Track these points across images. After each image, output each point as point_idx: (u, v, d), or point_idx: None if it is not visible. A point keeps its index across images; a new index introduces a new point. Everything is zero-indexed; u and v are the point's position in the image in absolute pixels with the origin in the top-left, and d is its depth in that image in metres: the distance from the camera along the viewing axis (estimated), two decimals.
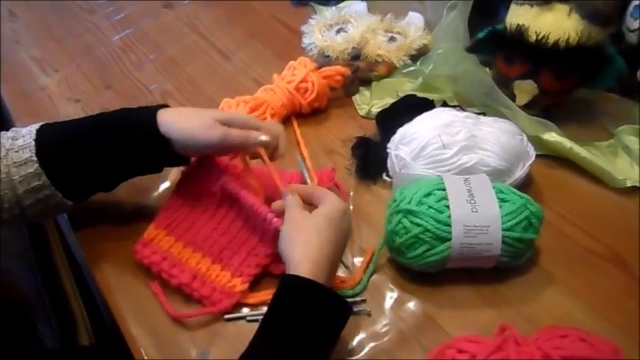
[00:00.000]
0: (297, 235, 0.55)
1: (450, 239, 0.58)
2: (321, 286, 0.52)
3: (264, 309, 0.60)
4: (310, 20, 0.94)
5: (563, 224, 0.68)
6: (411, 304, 0.61)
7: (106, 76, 0.95)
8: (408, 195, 0.60)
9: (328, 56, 0.87)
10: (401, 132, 0.71)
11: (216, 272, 0.63)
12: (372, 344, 0.58)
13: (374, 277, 0.64)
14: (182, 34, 1.04)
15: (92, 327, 0.84)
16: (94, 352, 0.82)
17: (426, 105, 0.77)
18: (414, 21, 0.95)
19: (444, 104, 0.80)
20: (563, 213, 0.69)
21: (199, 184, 0.67)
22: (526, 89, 0.76)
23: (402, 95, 0.82)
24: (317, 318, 0.52)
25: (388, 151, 0.72)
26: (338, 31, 0.91)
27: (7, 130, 0.62)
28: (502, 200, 0.59)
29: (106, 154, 0.61)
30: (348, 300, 0.60)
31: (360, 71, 0.88)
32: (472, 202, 0.59)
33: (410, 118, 0.72)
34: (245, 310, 0.61)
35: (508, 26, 0.76)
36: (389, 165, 0.72)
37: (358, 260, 0.65)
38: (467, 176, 0.62)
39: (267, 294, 0.61)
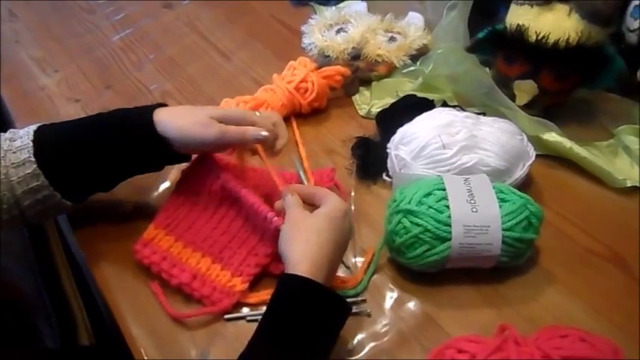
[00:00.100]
0: (297, 235, 0.55)
1: (449, 239, 0.58)
2: (319, 285, 0.52)
3: (265, 309, 0.60)
4: (310, 20, 0.94)
5: (563, 224, 0.68)
6: (411, 304, 0.61)
7: (106, 76, 0.95)
8: (408, 195, 0.60)
9: (328, 56, 0.87)
10: (401, 132, 0.71)
11: (216, 272, 0.63)
12: (372, 344, 0.58)
13: (374, 277, 0.64)
14: (182, 34, 1.04)
15: (92, 327, 0.84)
16: (94, 352, 0.82)
17: (426, 105, 0.77)
18: (414, 21, 0.95)
19: (444, 104, 0.80)
20: (563, 213, 0.69)
21: (199, 184, 0.67)
22: (526, 89, 0.76)
23: (402, 95, 0.82)
24: (315, 317, 0.52)
25: (388, 151, 0.72)
26: (338, 31, 0.91)
27: (7, 130, 0.62)
28: (502, 200, 0.59)
29: (104, 154, 0.61)
30: (349, 300, 0.60)
31: (360, 71, 0.88)
32: (472, 202, 0.59)
33: (410, 118, 0.72)
34: (245, 310, 0.61)
35: (508, 26, 0.76)
36: (389, 165, 0.72)
37: (358, 260, 0.65)
38: (467, 176, 0.62)
39: (267, 294, 0.61)
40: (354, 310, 0.60)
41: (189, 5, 1.11)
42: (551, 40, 0.72)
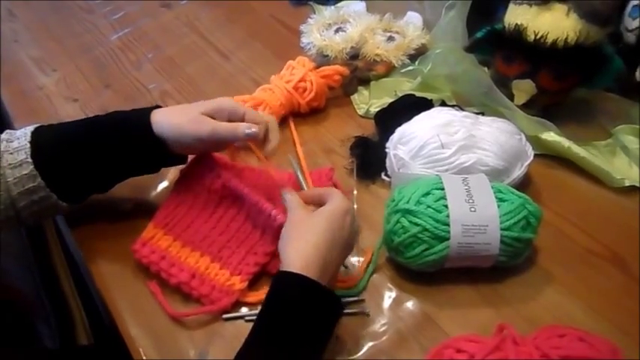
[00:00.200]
0: (294, 235, 0.55)
1: (448, 239, 0.58)
2: (311, 281, 0.51)
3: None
4: (309, 20, 0.94)
5: (562, 224, 0.68)
6: (410, 304, 0.61)
7: (105, 75, 0.95)
8: (407, 194, 0.60)
9: (327, 56, 0.87)
10: (399, 131, 0.71)
11: (215, 271, 0.63)
12: (370, 344, 0.58)
13: (372, 276, 0.64)
14: (181, 33, 1.04)
15: (91, 327, 0.84)
16: (92, 351, 0.82)
17: (425, 104, 0.77)
18: (412, 20, 0.95)
19: (443, 104, 0.80)
20: (562, 212, 0.69)
21: (198, 183, 0.67)
22: (525, 89, 0.76)
23: (400, 95, 0.82)
24: (308, 313, 0.52)
25: (387, 150, 0.72)
26: (337, 31, 0.91)
27: (4, 130, 0.62)
28: (500, 200, 0.59)
29: (101, 155, 0.61)
30: (347, 300, 0.60)
31: (359, 71, 0.88)
32: (470, 201, 0.59)
33: (408, 118, 0.72)
34: (244, 310, 0.61)
35: (507, 26, 0.76)
36: (387, 164, 0.72)
37: (357, 260, 0.65)
38: (465, 176, 0.63)
39: (266, 292, 0.61)
40: (352, 310, 0.60)
41: (188, 5, 1.11)
42: (550, 40, 0.72)
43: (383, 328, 0.59)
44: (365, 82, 0.88)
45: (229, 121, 0.63)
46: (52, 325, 0.77)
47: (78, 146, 0.61)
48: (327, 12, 0.96)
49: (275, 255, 0.63)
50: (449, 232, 0.58)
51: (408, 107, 0.76)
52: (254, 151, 0.66)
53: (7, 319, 0.69)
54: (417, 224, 0.58)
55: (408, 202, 0.60)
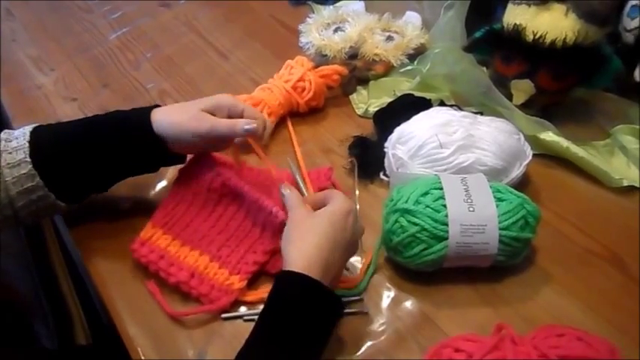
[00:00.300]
0: (296, 235, 0.55)
1: (446, 238, 0.58)
2: (313, 281, 0.51)
3: (262, 308, 0.60)
4: (308, 19, 0.94)
5: (560, 223, 0.68)
6: (408, 303, 0.61)
7: (103, 74, 0.95)
8: (405, 194, 0.60)
9: (326, 55, 0.87)
10: (398, 131, 0.71)
11: (214, 270, 0.63)
12: (369, 343, 0.58)
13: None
14: (180, 33, 1.04)
15: (89, 326, 0.84)
16: (91, 351, 0.82)
17: (424, 104, 0.77)
18: (411, 20, 0.95)
19: (442, 103, 0.80)
20: (560, 212, 0.69)
21: (197, 182, 0.67)
22: (523, 88, 0.76)
23: (399, 94, 0.82)
24: (309, 312, 0.52)
25: (385, 150, 0.72)
26: (335, 30, 0.91)
27: (3, 128, 0.62)
28: (499, 199, 0.59)
29: (100, 155, 0.61)
30: (347, 299, 0.60)
31: (358, 70, 0.88)
32: (469, 201, 0.59)
33: (407, 118, 0.72)
34: (242, 309, 0.61)
35: (505, 26, 0.76)
36: (386, 164, 0.72)
37: (355, 259, 0.65)
38: (464, 175, 0.63)
39: (265, 291, 0.61)
40: (351, 310, 0.60)
41: (187, 4, 1.11)
42: (549, 40, 0.72)
43: (381, 328, 0.59)
44: (364, 81, 0.88)
45: (229, 117, 0.63)
46: (50, 324, 0.77)
47: (77, 146, 0.61)
48: (325, 12, 0.96)
49: (274, 253, 0.63)
50: (447, 231, 0.58)
51: (406, 107, 0.76)
52: (253, 149, 0.66)
53: (5, 319, 0.68)
54: (415, 224, 0.58)
55: (406, 201, 0.60)
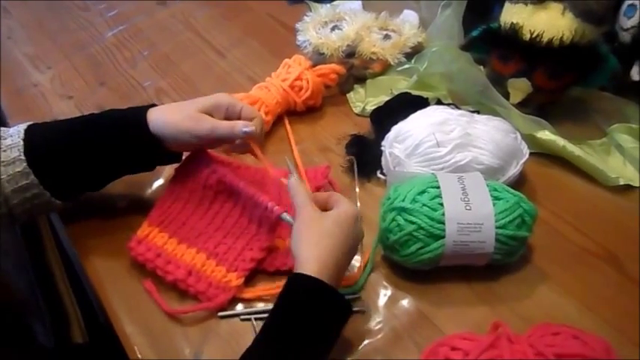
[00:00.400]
0: (308, 235, 0.55)
1: (443, 237, 0.58)
2: (325, 285, 0.52)
3: (258, 307, 0.60)
4: (305, 18, 0.94)
5: (557, 222, 0.69)
6: (405, 302, 0.61)
7: (100, 72, 0.94)
8: (402, 193, 0.60)
9: (323, 54, 0.87)
10: (395, 130, 0.71)
11: (211, 268, 0.63)
12: (365, 342, 0.58)
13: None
14: (177, 31, 1.03)
15: (86, 325, 0.84)
16: (87, 350, 0.82)
17: (421, 103, 0.77)
18: (408, 19, 0.95)
19: (439, 102, 0.80)
20: (557, 211, 0.70)
21: (193, 180, 0.67)
22: (520, 87, 0.77)
23: (396, 93, 0.82)
24: (321, 315, 0.52)
25: (382, 148, 0.72)
26: (333, 29, 0.91)
27: (0, 126, 0.62)
28: (496, 198, 0.60)
29: (96, 153, 0.61)
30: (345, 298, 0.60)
31: (355, 69, 0.88)
32: (466, 199, 0.59)
33: (404, 116, 0.72)
34: (239, 308, 0.61)
35: (502, 24, 0.76)
36: (383, 163, 0.72)
37: (354, 259, 0.65)
38: (461, 174, 0.63)
39: (262, 289, 0.62)
40: None
41: (184, 2, 1.10)
42: (545, 39, 0.72)
43: (378, 326, 0.59)
44: (361, 80, 0.88)
45: (227, 116, 0.63)
46: (46, 323, 0.77)
47: (72, 144, 0.61)
48: (323, 10, 0.96)
49: (271, 250, 0.63)
50: (444, 230, 0.58)
51: (403, 105, 0.76)
52: (251, 147, 0.66)
53: (1, 318, 0.68)
54: (412, 222, 0.59)
55: (403, 200, 0.60)
